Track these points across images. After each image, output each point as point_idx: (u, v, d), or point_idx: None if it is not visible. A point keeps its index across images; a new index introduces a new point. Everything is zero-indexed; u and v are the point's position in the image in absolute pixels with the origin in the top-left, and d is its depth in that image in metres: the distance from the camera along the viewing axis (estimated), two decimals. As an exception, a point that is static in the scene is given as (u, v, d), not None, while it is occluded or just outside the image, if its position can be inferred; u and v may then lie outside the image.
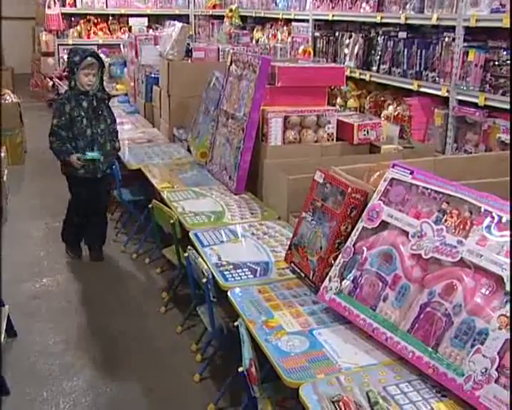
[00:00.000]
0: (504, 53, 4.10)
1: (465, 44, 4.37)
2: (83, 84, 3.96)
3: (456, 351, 1.77)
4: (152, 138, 4.99)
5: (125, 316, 3.67)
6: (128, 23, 9.94)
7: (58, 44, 9.92)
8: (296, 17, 6.93)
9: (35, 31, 10.84)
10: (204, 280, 2.56)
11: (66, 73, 8.06)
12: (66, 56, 9.21)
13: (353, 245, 2.22)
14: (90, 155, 3.99)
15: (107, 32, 10.31)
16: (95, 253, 4.41)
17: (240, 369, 2.05)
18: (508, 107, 3.98)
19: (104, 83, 4.20)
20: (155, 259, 4.35)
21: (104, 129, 4.08)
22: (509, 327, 1.69)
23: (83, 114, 3.98)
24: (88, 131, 4.01)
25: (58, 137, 3.96)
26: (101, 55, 4.42)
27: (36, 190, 5.94)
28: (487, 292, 1.78)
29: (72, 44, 9.80)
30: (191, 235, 2.98)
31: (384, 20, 5.25)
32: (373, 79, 5.49)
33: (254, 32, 8.15)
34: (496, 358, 1.67)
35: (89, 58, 3.93)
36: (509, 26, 3.85)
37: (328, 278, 2.26)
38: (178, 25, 4.95)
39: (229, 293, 2.40)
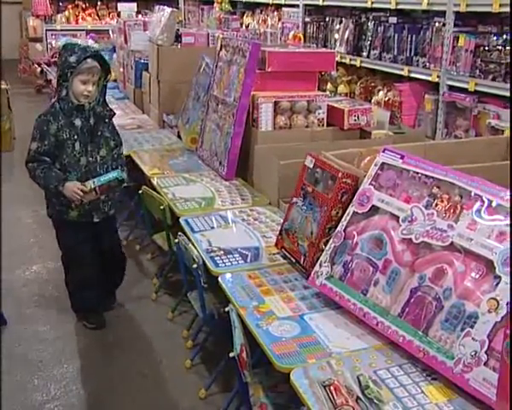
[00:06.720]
0: (494, 38, 4.10)
1: (455, 30, 4.36)
2: (77, 95, 2.99)
3: (447, 335, 1.78)
4: (142, 124, 4.96)
5: (115, 302, 3.66)
6: (117, 8, 9.87)
7: (46, 30, 9.80)
8: (286, 2, 6.89)
9: (22, 16, 10.73)
10: (195, 266, 2.56)
11: (54, 59, 8.01)
12: (54, 42, 9.13)
13: (344, 230, 2.22)
14: (103, 179, 3.03)
15: (96, 17, 10.23)
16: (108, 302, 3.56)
17: (231, 354, 2.05)
18: (498, 92, 3.99)
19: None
20: (146, 245, 4.33)
21: (105, 156, 3.14)
22: (498, 311, 1.70)
23: (75, 136, 3.02)
24: (82, 160, 3.05)
25: (41, 163, 3.04)
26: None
27: (25, 177, 5.77)
28: (477, 276, 1.79)
29: (61, 30, 9.73)
30: (181, 221, 2.97)
31: (374, 5, 5.22)
32: (363, 64, 5.48)
33: (244, 17, 8.10)
34: (485, 341, 1.69)
35: (89, 60, 2.96)
36: (498, 10, 3.84)
37: (318, 263, 2.26)
38: (168, 10, 4.91)
39: (219, 279, 2.40)
